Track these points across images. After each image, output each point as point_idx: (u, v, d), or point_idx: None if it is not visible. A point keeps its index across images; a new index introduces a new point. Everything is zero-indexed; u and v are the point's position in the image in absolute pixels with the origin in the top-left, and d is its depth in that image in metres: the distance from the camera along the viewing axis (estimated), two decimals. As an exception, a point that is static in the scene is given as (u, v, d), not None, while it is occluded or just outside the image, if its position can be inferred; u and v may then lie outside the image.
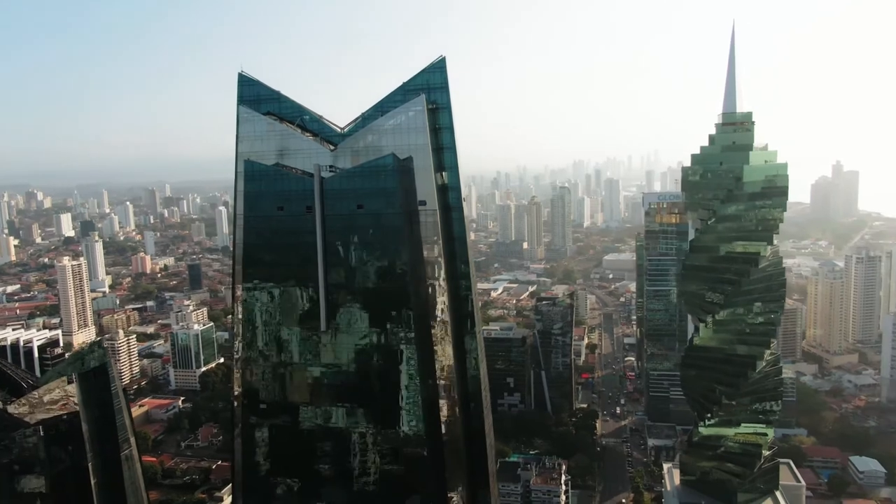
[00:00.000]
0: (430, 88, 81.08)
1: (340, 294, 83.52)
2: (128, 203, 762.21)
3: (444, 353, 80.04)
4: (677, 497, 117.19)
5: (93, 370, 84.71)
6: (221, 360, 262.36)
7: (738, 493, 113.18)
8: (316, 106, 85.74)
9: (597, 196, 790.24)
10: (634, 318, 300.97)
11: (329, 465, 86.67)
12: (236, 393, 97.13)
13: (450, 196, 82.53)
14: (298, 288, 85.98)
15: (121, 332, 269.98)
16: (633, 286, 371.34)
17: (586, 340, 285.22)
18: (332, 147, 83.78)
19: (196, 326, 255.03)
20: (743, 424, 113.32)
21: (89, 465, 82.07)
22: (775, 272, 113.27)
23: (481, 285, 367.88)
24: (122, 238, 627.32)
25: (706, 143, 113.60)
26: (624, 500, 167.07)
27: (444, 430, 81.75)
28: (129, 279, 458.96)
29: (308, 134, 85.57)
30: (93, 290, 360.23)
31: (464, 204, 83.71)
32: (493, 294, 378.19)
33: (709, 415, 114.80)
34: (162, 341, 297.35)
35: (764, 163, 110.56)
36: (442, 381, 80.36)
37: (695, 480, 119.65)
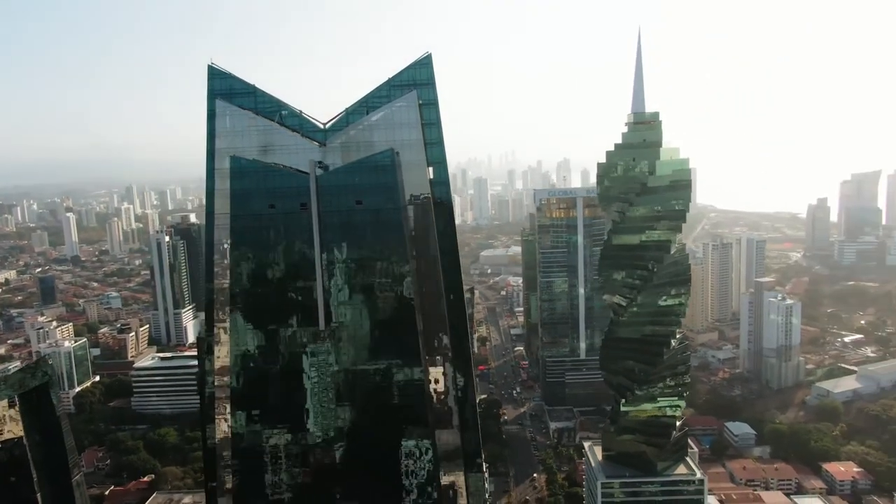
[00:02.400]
0: (416, 84, 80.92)
1: (339, 291, 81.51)
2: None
3: (443, 346, 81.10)
4: (602, 471, 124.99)
5: (34, 390, 75.89)
6: (97, 378, 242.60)
7: (658, 462, 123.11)
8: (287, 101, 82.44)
9: (464, 194, 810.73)
10: (521, 309, 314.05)
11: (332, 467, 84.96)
12: (222, 401, 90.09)
13: (439, 191, 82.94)
14: (294, 286, 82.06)
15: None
16: (511, 280, 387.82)
17: (476, 334, 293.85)
18: (321, 143, 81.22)
19: (67, 344, 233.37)
20: (660, 398, 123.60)
21: (38, 495, 73.77)
22: (681, 258, 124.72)
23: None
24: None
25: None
26: (536, 475, 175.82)
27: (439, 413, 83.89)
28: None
29: (289, 130, 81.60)
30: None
31: None
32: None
33: (629, 393, 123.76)
34: (19, 363, 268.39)
35: (670, 158, 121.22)
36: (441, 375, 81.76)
37: (616, 455, 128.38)
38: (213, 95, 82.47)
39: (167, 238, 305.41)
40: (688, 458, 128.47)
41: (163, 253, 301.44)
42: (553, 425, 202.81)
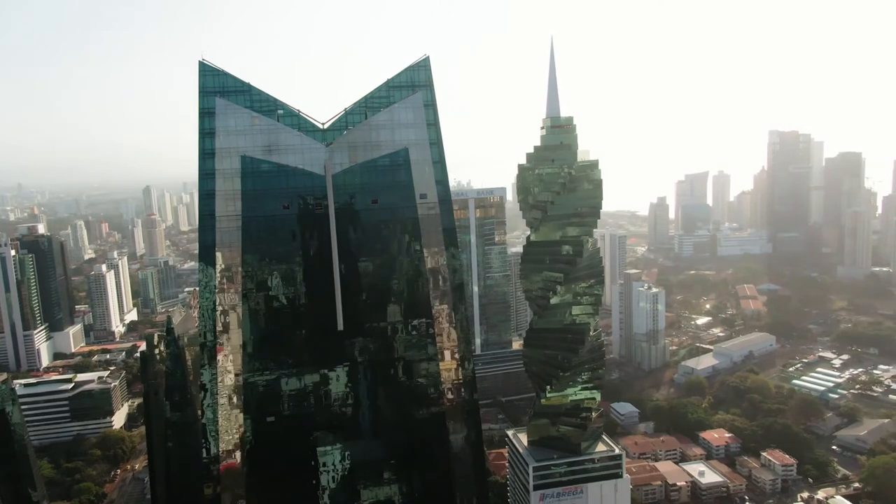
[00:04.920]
0: (414, 86, 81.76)
1: (357, 289, 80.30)
2: None
3: (450, 339, 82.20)
4: (532, 456, 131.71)
5: (-7, 415, 66.57)
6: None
7: (581, 442, 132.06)
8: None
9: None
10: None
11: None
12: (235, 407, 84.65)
13: (440, 189, 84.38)
14: (310, 287, 78.85)
15: None
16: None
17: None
18: (327, 143, 78.90)
19: None
20: (581, 383, 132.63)
21: (6, 532, 64.96)
22: (594, 251, 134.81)
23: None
24: None
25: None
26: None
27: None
28: None
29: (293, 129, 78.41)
30: None
31: None
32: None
33: (554, 380, 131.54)
34: None
35: (581, 159, 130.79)
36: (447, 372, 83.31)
37: (540, 440, 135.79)
38: (205, 93, 77.19)
39: (13, 252, 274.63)
40: (604, 437, 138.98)
41: (8, 268, 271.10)
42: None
